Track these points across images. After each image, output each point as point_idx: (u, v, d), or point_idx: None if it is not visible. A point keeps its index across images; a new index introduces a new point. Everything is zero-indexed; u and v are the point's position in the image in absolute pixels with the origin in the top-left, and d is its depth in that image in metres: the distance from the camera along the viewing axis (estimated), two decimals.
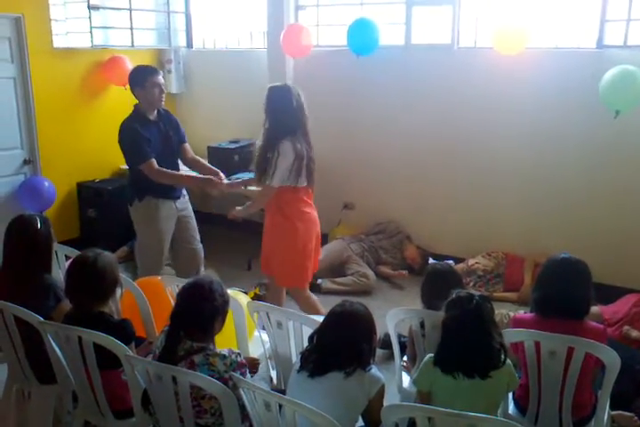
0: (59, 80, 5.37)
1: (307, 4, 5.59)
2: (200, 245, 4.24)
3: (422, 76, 5.00)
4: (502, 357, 2.24)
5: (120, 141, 3.84)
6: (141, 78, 3.78)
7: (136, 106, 3.87)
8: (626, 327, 3.88)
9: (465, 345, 2.21)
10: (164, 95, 3.87)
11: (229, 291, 2.80)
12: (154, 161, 3.78)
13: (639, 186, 4.37)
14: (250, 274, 5.12)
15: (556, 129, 4.58)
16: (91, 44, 5.52)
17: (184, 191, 4.13)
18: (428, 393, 2.29)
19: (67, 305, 2.67)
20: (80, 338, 2.38)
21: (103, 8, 5.59)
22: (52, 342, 2.52)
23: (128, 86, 3.87)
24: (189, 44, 6.37)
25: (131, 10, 5.80)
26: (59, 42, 5.34)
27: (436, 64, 4.97)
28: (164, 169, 3.82)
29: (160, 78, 3.84)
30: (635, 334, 3.85)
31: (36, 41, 5.10)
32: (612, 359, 2.30)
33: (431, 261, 4.76)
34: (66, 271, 2.67)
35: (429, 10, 5.10)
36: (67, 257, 3.24)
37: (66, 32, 5.45)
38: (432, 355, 2.31)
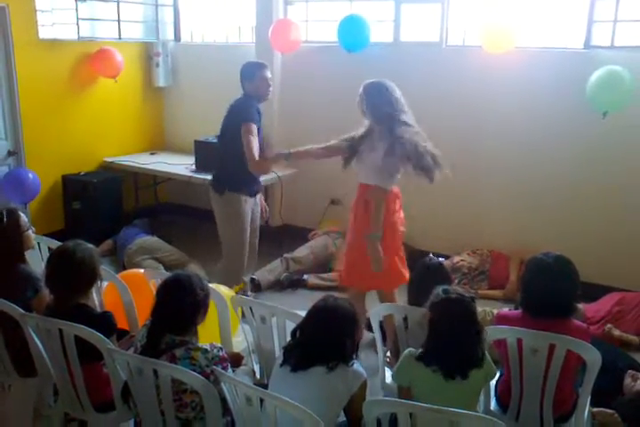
0: (44, 72, 5.31)
1: (295, 0, 5.57)
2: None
3: (411, 74, 4.99)
4: (482, 352, 2.25)
5: (232, 112, 3.95)
6: (251, 73, 3.97)
7: (243, 94, 4.00)
8: (608, 326, 3.92)
9: (452, 347, 2.22)
10: (270, 89, 4.02)
11: (212, 285, 2.80)
12: (254, 127, 3.83)
13: (626, 185, 4.40)
14: None
15: (543, 127, 4.60)
16: (77, 36, 5.46)
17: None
18: (408, 388, 2.30)
19: (45, 296, 2.66)
20: (61, 331, 2.36)
21: None
22: (32, 334, 2.50)
23: (240, 78, 3.99)
24: (177, 38, 6.32)
25: (118, 2, 5.75)
26: (44, 33, 5.27)
27: (424, 62, 4.98)
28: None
29: (268, 73, 4.00)
30: (617, 332, 3.89)
31: (21, 32, 5.04)
32: (593, 357, 2.31)
33: (430, 256, 4.76)
34: (46, 261, 2.66)
35: (418, 7, 5.09)
36: (50, 249, 3.22)
37: (52, 23, 5.39)
38: (411, 349, 2.31)
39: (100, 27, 5.72)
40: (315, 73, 5.41)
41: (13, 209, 2.98)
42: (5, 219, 2.83)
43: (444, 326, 2.25)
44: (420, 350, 2.29)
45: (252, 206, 4.15)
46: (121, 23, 5.81)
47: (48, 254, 3.16)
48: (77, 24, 5.43)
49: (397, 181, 3.42)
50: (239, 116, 3.89)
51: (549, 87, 4.51)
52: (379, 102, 3.32)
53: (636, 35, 4.33)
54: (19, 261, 2.81)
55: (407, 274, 3.42)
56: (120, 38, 5.82)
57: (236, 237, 4.06)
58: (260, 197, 4.29)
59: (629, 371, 3.27)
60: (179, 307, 2.31)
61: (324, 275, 4.92)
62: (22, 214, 2.96)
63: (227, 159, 4.02)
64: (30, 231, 2.96)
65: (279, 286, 4.80)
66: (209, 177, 5.19)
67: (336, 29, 4.95)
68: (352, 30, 4.95)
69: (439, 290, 2.33)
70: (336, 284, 4.81)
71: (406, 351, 2.32)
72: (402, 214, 3.52)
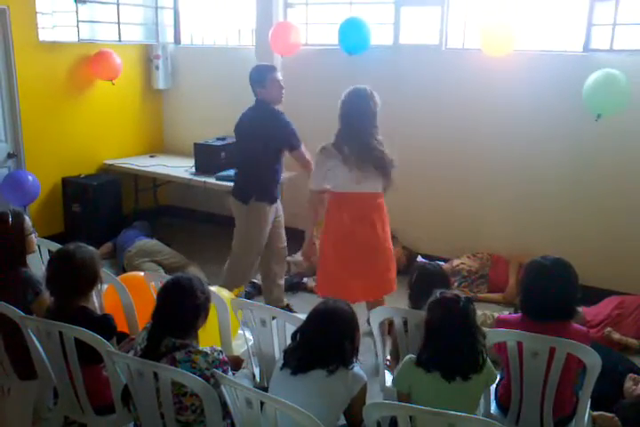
0: (44, 74, 5.31)
1: (296, 2, 5.58)
2: (286, 242, 4.34)
3: (410, 77, 5.01)
4: (484, 357, 2.25)
5: (269, 127, 3.90)
6: (261, 78, 3.91)
7: (260, 102, 3.96)
8: (608, 329, 3.91)
9: (449, 347, 2.22)
10: (283, 91, 3.96)
11: (213, 288, 2.80)
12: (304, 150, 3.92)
13: (624, 188, 4.41)
14: None
15: (543, 130, 4.60)
16: (77, 38, 5.47)
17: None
18: (408, 395, 2.29)
19: (46, 299, 2.66)
20: (61, 333, 2.36)
21: (90, 2, 5.55)
22: (32, 337, 2.50)
23: (251, 84, 3.94)
24: (177, 40, 6.33)
25: (118, 4, 5.76)
26: (45, 35, 5.28)
27: (424, 64, 4.98)
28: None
29: (278, 75, 3.95)
30: (616, 336, 3.88)
31: (22, 34, 5.04)
32: (593, 360, 2.31)
33: (420, 259, 4.77)
34: (47, 264, 2.66)
35: (418, 10, 5.10)
36: (50, 252, 3.22)
37: (52, 25, 5.40)
38: (412, 356, 2.31)
39: (100, 29, 5.73)
40: (315, 76, 5.41)
41: (19, 211, 2.98)
42: (11, 220, 2.82)
43: (438, 325, 2.25)
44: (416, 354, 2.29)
45: (275, 213, 4.15)
46: (121, 26, 5.82)
47: (48, 257, 3.16)
48: (77, 26, 5.45)
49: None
50: (287, 141, 3.90)
51: (548, 90, 4.51)
52: None
53: (635, 38, 4.34)
54: (20, 265, 2.80)
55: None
56: (120, 41, 5.83)
57: (251, 244, 4.07)
58: (279, 204, 4.26)
59: (630, 374, 3.27)
60: (180, 310, 2.31)
61: None
62: (27, 218, 2.95)
63: (253, 169, 4.01)
64: (33, 236, 2.96)
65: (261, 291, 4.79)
66: (209, 180, 5.26)
67: (336, 32, 4.96)
68: (352, 33, 4.95)
69: (436, 292, 2.34)
70: None
71: (407, 357, 2.32)
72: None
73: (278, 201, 4.21)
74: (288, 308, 4.19)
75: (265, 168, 3.98)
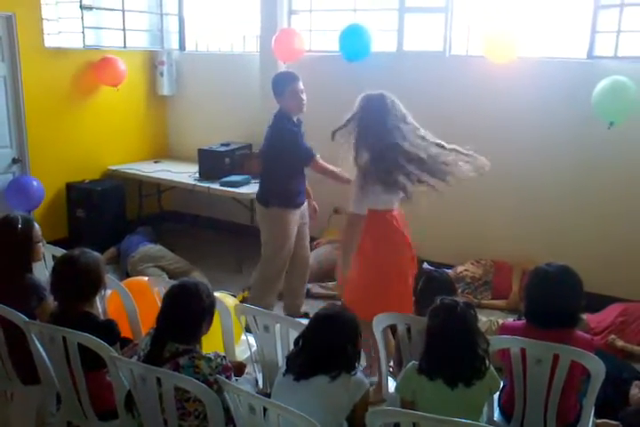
0: (50, 80, 5.34)
1: (300, 9, 5.60)
2: (309, 252, 4.36)
3: (414, 83, 5.01)
4: (486, 364, 2.24)
5: (275, 145, 3.92)
6: (280, 89, 3.90)
7: (279, 109, 3.95)
8: (612, 337, 3.90)
9: (450, 353, 2.22)
10: (304, 102, 3.93)
11: (217, 294, 2.80)
12: (318, 156, 3.90)
13: (627, 194, 4.40)
14: (239, 277, 5.10)
15: (547, 137, 4.60)
16: (83, 45, 5.50)
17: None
18: (411, 402, 2.29)
19: (50, 304, 2.66)
20: (65, 338, 2.36)
21: (96, 8, 5.58)
22: (36, 342, 2.50)
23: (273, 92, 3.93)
24: (182, 47, 6.36)
25: (124, 11, 5.79)
26: (50, 41, 5.32)
27: (427, 71, 4.99)
28: (325, 164, 3.92)
29: (299, 85, 3.91)
30: (620, 343, 3.87)
31: (28, 40, 5.08)
32: (597, 368, 2.30)
33: (425, 266, 4.76)
34: (51, 269, 2.66)
35: (422, 17, 5.12)
36: (54, 257, 3.22)
37: (58, 32, 5.43)
38: (415, 362, 2.31)
39: (105, 35, 5.77)
40: (318, 82, 5.40)
41: (29, 218, 2.98)
42: (20, 226, 2.82)
43: (438, 331, 2.25)
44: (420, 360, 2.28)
45: (299, 218, 4.11)
46: (126, 32, 5.85)
47: (52, 262, 3.17)
48: (83, 33, 5.48)
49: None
50: (296, 158, 3.91)
51: (552, 97, 4.51)
52: None
53: (639, 45, 4.35)
54: (25, 271, 2.80)
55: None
56: (125, 47, 5.86)
57: (277, 250, 4.04)
58: (305, 206, 4.21)
59: (636, 382, 3.26)
60: (185, 313, 2.31)
61: (328, 284, 4.91)
62: (37, 225, 2.94)
63: (270, 176, 4.03)
64: (41, 244, 2.95)
65: (281, 297, 4.79)
66: (213, 185, 5.27)
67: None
68: (353, 40, 4.97)
69: (437, 299, 2.34)
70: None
71: (409, 364, 2.32)
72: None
73: (303, 207, 4.15)
74: (307, 316, 4.17)
75: (281, 177, 3.97)
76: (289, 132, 3.91)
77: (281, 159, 3.93)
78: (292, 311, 4.24)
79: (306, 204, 4.21)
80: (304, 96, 3.95)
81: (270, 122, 4.01)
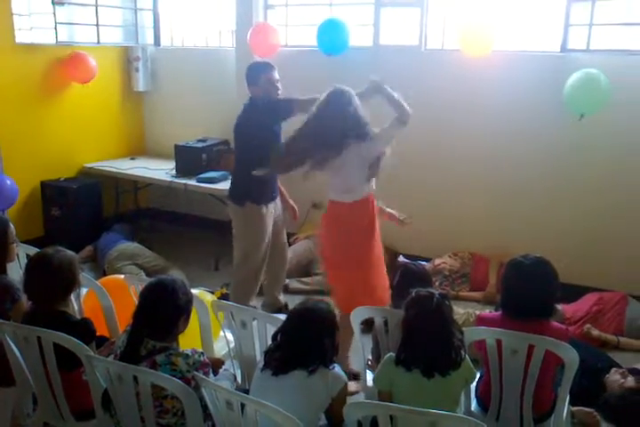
0: (21, 76, 5.25)
1: (276, 4, 5.58)
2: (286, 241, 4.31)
3: (390, 77, 4.95)
4: (462, 354, 2.26)
5: (246, 136, 3.83)
6: (255, 76, 3.83)
7: (252, 99, 3.87)
8: (587, 326, 3.95)
9: (426, 343, 2.23)
10: (279, 92, 3.86)
11: (195, 291, 2.79)
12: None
13: (603, 187, 4.45)
14: (216, 274, 5.09)
15: (521, 130, 4.64)
16: (55, 41, 5.42)
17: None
18: (389, 393, 2.30)
19: (23, 304, 2.63)
20: (39, 338, 2.34)
21: (68, 4, 5.50)
22: (10, 342, 2.47)
23: (246, 83, 3.85)
24: (157, 42, 6.29)
25: (97, 6, 5.71)
26: (22, 37, 5.22)
27: (404, 65, 4.99)
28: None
29: (275, 74, 3.84)
30: (595, 332, 3.93)
31: None
32: (570, 357, 2.33)
33: (401, 259, 4.79)
34: (24, 268, 2.63)
35: (398, 11, 5.12)
36: (28, 256, 3.18)
37: (30, 27, 5.35)
38: (392, 354, 2.32)
39: (78, 31, 5.68)
40: (295, 76, 5.38)
41: (5, 218, 2.95)
42: None
43: (414, 322, 2.27)
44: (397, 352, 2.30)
45: (273, 214, 4.04)
46: (100, 27, 5.77)
47: (26, 261, 3.13)
48: (55, 28, 5.38)
49: None
50: (262, 149, 3.67)
51: (527, 90, 4.55)
52: None
53: (611, 38, 4.40)
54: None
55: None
56: (99, 43, 5.78)
57: (255, 248, 3.98)
58: (278, 201, 4.15)
59: (615, 368, 3.31)
60: (162, 310, 2.29)
61: (306, 279, 4.91)
62: (12, 226, 2.91)
63: (240, 169, 3.94)
64: (15, 245, 2.92)
65: (261, 290, 4.78)
66: (190, 182, 5.24)
67: (315, 33, 4.97)
68: (331, 34, 4.96)
69: (412, 291, 2.35)
70: (317, 288, 4.81)
71: (386, 356, 2.33)
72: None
73: (276, 201, 4.09)
74: (286, 308, 4.16)
75: (254, 167, 3.75)
76: (256, 121, 3.82)
77: (253, 148, 3.80)
78: (272, 305, 4.24)
79: (277, 200, 4.14)
80: (279, 86, 3.90)
81: (240, 112, 3.93)
